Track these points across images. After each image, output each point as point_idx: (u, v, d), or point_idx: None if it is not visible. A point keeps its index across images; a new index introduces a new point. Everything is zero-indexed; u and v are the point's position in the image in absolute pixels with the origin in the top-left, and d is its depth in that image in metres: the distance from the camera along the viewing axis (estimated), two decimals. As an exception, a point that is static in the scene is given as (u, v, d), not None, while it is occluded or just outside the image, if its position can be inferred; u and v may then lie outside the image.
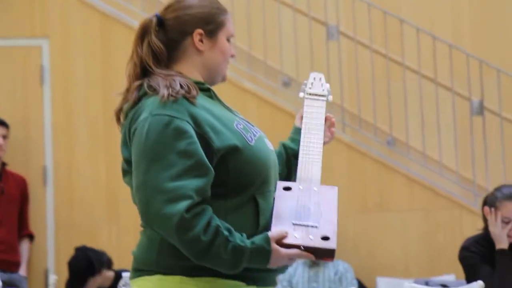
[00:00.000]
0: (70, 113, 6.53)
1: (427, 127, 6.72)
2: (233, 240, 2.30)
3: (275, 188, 2.45)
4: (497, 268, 4.22)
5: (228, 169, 2.37)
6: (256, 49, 6.87)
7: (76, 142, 6.50)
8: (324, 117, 2.74)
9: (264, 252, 2.31)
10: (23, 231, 6.25)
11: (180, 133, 2.32)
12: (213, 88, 2.57)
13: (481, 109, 6.62)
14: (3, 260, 6.01)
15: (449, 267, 6.25)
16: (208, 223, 2.29)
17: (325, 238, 2.34)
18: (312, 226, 2.36)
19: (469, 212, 6.39)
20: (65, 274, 6.27)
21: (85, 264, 5.49)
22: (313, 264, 6.28)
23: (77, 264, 5.54)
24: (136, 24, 2.62)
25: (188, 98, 2.38)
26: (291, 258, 2.35)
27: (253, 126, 2.52)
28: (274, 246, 2.32)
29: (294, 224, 2.36)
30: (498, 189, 4.34)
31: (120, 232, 6.36)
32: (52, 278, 5.38)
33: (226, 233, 2.30)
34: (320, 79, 2.83)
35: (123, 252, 5.88)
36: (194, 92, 2.40)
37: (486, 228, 4.33)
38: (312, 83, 2.82)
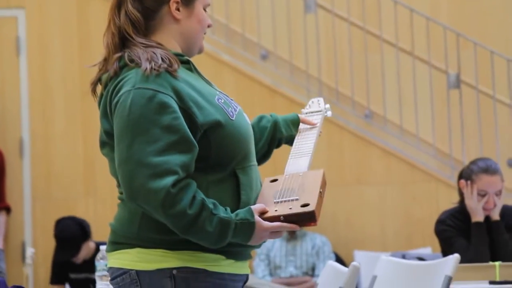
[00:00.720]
0: (46, 85, 6.48)
1: (404, 101, 6.74)
2: (218, 213, 2.30)
3: (255, 165, 2.47)
4: (473, 241, 4.24)
5: (210, 144, 2.36)
6: (234, 21, 6.84)
7: (53, 113, 6.47)
8: (319, 126, 2.74)
9: (248, 224, 2.32)
10: (0, 203, 6.22)
11: (164, 108, 2.31)
12: (191, 60, 2.56)
13: (458, 83, 6.65)
14: (-21, 233, 5.99)
15: (426, 240, 6.30)
16: (194, 197, 2.29)
17: (305, 205, 2.35)
18: (292, 200, 2.38)
19: (445, 185, 6.43)
20: (42, 246, 6.25)
21: (78, 229, 5.44)
22: (290, 238, 6.30)
23: (69, 230, 5.48)
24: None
25: (170, 72, 2.36)
26: (274, 232, 2.36)
27: (232, 100, 2.51)
28: (257, 218, 2.33)
29: (275, 202, 2.38)
30: (473, 162, 4.35)
31: (97, 204, 6.35)
32: (29, 251, 5.37)
33: (211, 206, 2.30)
34: (318, 101, 2.84)
35: (100, 225, 5.87)
36: (175, 65, 2.38)
37: (462, 202, 4.35)
38: (309, 105, 2.84)
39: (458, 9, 7.12)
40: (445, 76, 6.69)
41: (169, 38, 2.47)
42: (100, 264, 3.65)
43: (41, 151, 6.45)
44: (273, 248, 6.26)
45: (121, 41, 2.44)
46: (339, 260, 6.36)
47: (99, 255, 3.69)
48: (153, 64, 2.35)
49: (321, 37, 6.83)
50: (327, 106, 2.81)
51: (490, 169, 4.25)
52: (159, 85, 2.33)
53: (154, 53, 2.38)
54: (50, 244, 6.07)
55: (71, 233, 5.41)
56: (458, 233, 4.29)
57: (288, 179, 2.46)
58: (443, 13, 7.08)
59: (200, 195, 2.31)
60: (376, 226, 6.50)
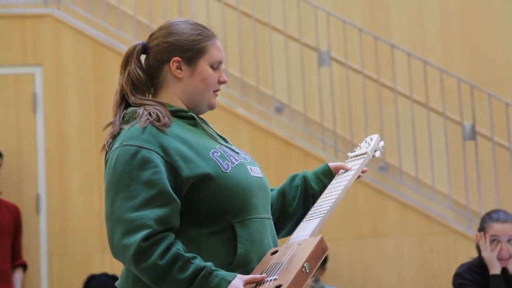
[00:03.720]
0: (63, 141, 6.52)
1: (420, 152, 6.73)
2: (195, 262, 2.28)
3: (261, 219, 2.42)
4: (491, 294, 4.22)
5: (201, 197, 2.36)
6: (248, 75, 6.88)
7: (69, 170, 6.49)
8: (357, 170, 2.61)
9: (221, 280, 2.27)
10: (17, 260, 6.21)
11: (145, 163, 2.33)
12: (205, 114, 2.57)
13: (473, 134, 6.64)
14: (-4, 290, 5.99)
15: (444, 292, 6.25)
16: (167, 248, 2.29)
17: (278, 287, 2.28)
18: (270, 280, 2.31)
19: (462, 237, 6.39)
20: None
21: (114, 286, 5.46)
22: (307, 291, 6.26)
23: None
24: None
25: (157, 127, 2.38)
26: None
27: (238, 153, 2.49)
28: (237, 281, 2.27)
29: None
30: (487, 213, 4.42)
31: (113, 261, 6.33)
32: (46, 307, 5.35)
33: (189, 256, 2.29)
34: (371, 139, 2.68)
35: (116, 280, 5.85)
36: (165, 120, 2.40)
37: (480, 256, 4.34)
38: (360, 146, 2.69)
39: (471, 61, 7.15)
40: (460, 128, 6.69)
41: (172, 96, 2.49)
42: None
43: (58, 207, 6.46)
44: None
45: (122, 99, 2.47)
46: (357, 313, 6.31)
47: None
48: (141, 120, 2.38)
49: (335, 89, 6.86)
50: (381, 144, 2.67)
51: (500, 217, 4.31)
52: (144, 141, 2.35)
53: (145, 109, 2.41)
54: (66, 300, 6.07)
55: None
56: (476, 287, 4.27)
57: (284, 250, 2.38)
58: (456, 64, 7.11)
59: (177, 247, 2.29)
60: (394, 278, 6.45)
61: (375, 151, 2.66)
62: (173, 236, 2.31)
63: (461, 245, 6.34)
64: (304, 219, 2.50)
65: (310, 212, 2.52)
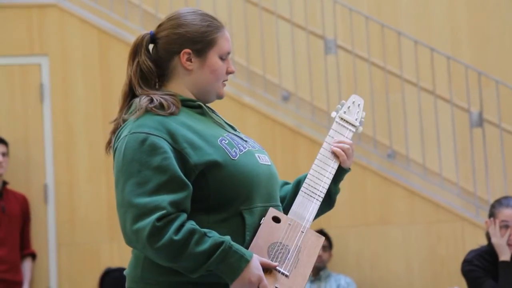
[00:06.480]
0: (70, 131, 6.53)
1: (427, 140, 6.72)
2: (213, 236, 2.29)
3: (268, 207, 2.43)
4: (500, 281, 4.21)
5: (209, 184, 2.36)
6: (255, 63, 6.88)
7: (76, 159, 6.50)
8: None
9: (241, 257, 2.28)
10: (25, 250, 6.24)
11: (155, 149, 2.33)
12: (212, 104, 2.58)
13: (480, 121, 6.63)
14: (6, 280, 6.00)
15: (452, 280, 6.24)
16: (181, 225, 2.29)
17: None
18: (283, 273, 2.34)
19: (470, 225, 6.38)
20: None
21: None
22: (314, 279, 6.26)
23: (123, 284, 5.51)
24: (135, 41, 2.67)
25: (166, 115, 2.39)
26: (252, 284, 2.30)
27: (246, 141, 2.50)
28: (255, 262, 2.29)
29: (269, 255, 2.35)
30: (497, 200, 4.45)
31: (121, 250, 6.35)
32: (54, 297, 5.37)
33: (205, 231, 2.29)
34: (359, 105, 2.71)
35: (124, 269, 5.85)
36: (173, 109, 2.41)
37: (489, 243, 4.34)
38: (349, 107, 2.70)
39: (479, 47, 7.12)
40: (468, 115, 6.67)
41: (182, 88, 2.50)
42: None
43: (65, 197, 6.47)
44: (298, 290, 6.22)
45: (130, 91, 2.48)
46: (365, 301, 6.32)
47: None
48: (147, 108, 2.39)
49: (342, 77, 6.85)
50: (363, 116, 2.70)
51: (510, 203, 4.32)
52: (153, 128, 2.36)
53: (152, 98, 2.42)
54: (75, 289, 6.09)
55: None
56: (486, 274, 4.27)
57: (289, 231, 2.41)
58: (464, 51, 7.09)
59: (191, 224, 2.29)
60: (401, 266, 6.45)
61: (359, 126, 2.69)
62: (186, 216, 2.31)
63: (468, 233, 6.34)
64: (303, 190, 2.51)
65: (308, 182, 2.53)
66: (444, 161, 6.68)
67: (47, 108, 6.54)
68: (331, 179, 2.58)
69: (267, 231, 2.38)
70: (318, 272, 6.27)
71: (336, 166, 2.59)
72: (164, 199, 2.29)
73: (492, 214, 4.34)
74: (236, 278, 2.28)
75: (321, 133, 6.67)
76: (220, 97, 2.55)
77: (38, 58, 6.59)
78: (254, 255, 2.31)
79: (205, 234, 2.28)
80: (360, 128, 2.69)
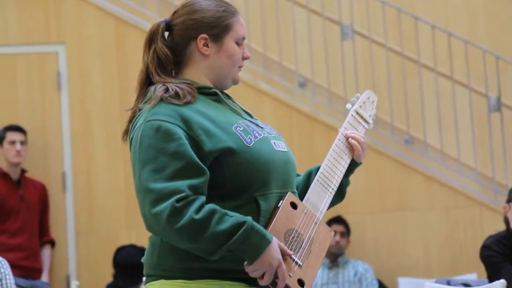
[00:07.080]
0: (88, 119, 6.55)
1: (445, 125, 6.70)
2: (234, 215, 2.30)
3: (285, 193, 2.43)
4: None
5: (224, 171, 2.37)
6: (271, 50, 6.87)
7: (94, 147, 6.53)
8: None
9: (262, 237, 2.29)
10: (44, 237, 6.28)
11: (170, 135, 2.35)
12: (229, 90, 2.58)
13: (498, 106, 6.60)
14: (25, 267, 6.04)
15: (471, 265, 6.23)
16: (201, 206, 2.30)
17: (300, 282, 2.34)
18: (296, 263, 2.36)
19: (489, 210, 6.37)
20: (87, 279, 6.29)
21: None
22: (332, 265, 6.27)
23: (135, 258, 5.52)
24: (151, 28, 2.68)
25: (181, 104, 2.40)
26: (271, 266, 2.31)
27: (262, 128, 2.50)
28: (276, 244, 2.30)
29: (286, 242, 2.37)
30: (516, 185, 4.38)
31: (139, 237, 6.37)
32: (74, 284, 5.39)
33: (225, 210, 2.31)
34: (373, 102, 2.75)
35: (143, 256, 5.88)
36: (188, 98, 2.42)
37: (508, 227, 4.32)
38: (364, 103, 2.72)
39: (496, 32, 7.08)
40: (486, 100, 6.64)
41: (198, 73, 2.51)
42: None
43: (84, 185, 6.50)
44: (316, 276, 6.23)
45: (147, 79, 2.49)
46: (383, 287, 6.31)
47: None
48: (162, 97, 2.40)
49: (359, 63, 6.83)
50: (374, 114, 2.73)
51: (529, 187, 4.26)
52: (167, 116, 2.37)
53: (163, 85, 2.43)
54: (94, 276, 6.11)
55: (137, 261, 5.45)
56: (504, 259, 4.25)
57: (305, 219, 2.43)
58: (481, 36, 7.05)
59: (211, 205, 2.31)
60: (420, 252, 6.44)
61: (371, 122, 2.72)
62: (205, 198, 2.32)
63: (487, 218, 6.32)
64: (318, 180, 2.52)
65: (323, 173, 2.54)
66: (462, 147, 6.65)
67: (65, 96, 6.56)
68: (344, 172, 2.59)
69: (285, 216, 2.39)
70: (336, 258, 6.27)
71: (349, 160, 2.62)
72: (183, 183, 2.30)
73: (510, 199, 4.30)
74: (257, 258, 2.29)
75: (338, 119, 6.66)
76: (235, 82, 2.56)
77: (55, 46, 6.61)
78: (274, 238, 2.32)
79: (226, 214, 2.29)
80: (372, 125, 2.73)
